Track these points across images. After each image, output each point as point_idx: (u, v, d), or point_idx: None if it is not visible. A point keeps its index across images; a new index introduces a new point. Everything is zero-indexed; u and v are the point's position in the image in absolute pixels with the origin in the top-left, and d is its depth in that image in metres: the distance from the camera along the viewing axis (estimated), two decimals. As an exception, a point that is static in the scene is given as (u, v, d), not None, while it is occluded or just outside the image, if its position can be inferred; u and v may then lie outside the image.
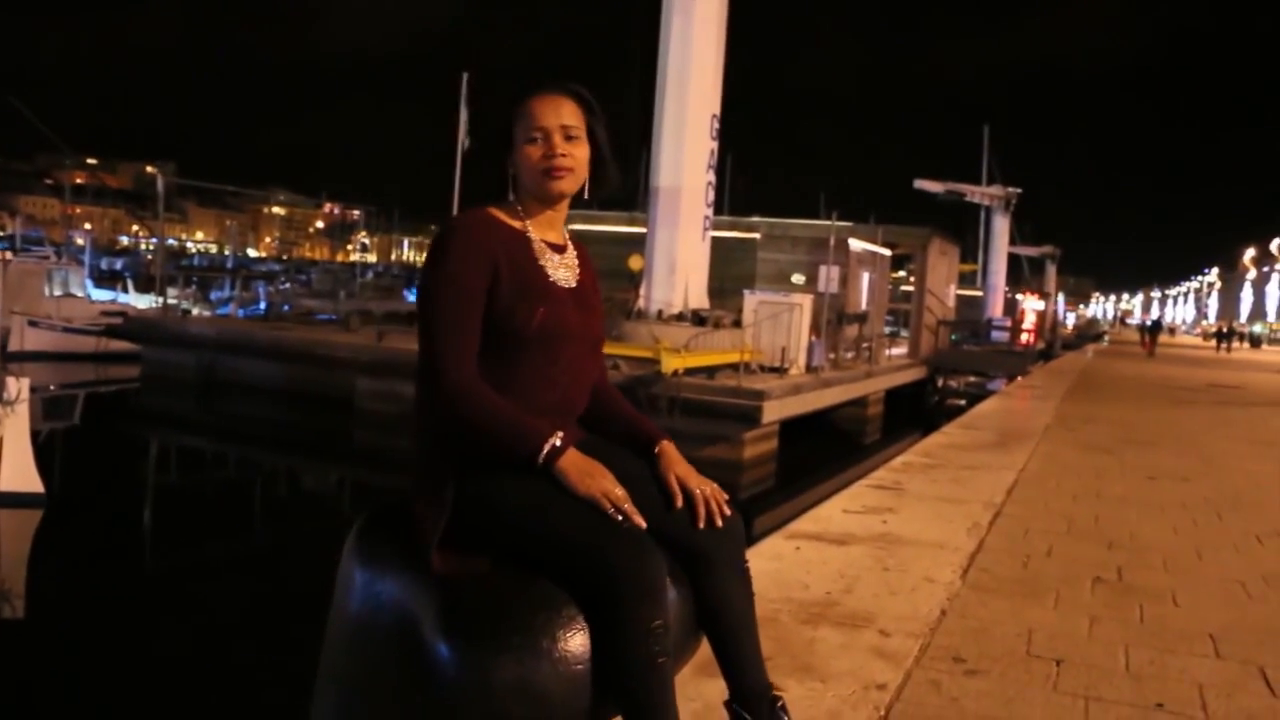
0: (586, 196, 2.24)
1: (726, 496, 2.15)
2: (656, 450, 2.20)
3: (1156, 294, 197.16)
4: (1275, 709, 3.34)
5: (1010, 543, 5.62)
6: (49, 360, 25.16)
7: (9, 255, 30.06)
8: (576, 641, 1.79)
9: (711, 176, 19.73)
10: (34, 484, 10.87)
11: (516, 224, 2.15)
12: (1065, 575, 4.95)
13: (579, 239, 2.32)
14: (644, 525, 1.94)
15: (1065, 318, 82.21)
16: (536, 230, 2.17)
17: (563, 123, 2.12)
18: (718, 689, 2.19)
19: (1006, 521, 6.18)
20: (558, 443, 1.96)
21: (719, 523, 2.09)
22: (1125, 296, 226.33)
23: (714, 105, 19.45)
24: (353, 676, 1.99)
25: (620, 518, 1.92)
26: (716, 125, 19.50)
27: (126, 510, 12.94)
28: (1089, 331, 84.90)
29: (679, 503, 2.10)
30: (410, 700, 1.85)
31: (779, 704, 2.16)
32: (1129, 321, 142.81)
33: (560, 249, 2.21)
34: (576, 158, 2.13)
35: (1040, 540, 5.70)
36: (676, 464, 2.16)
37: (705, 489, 2.12)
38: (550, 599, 1.82)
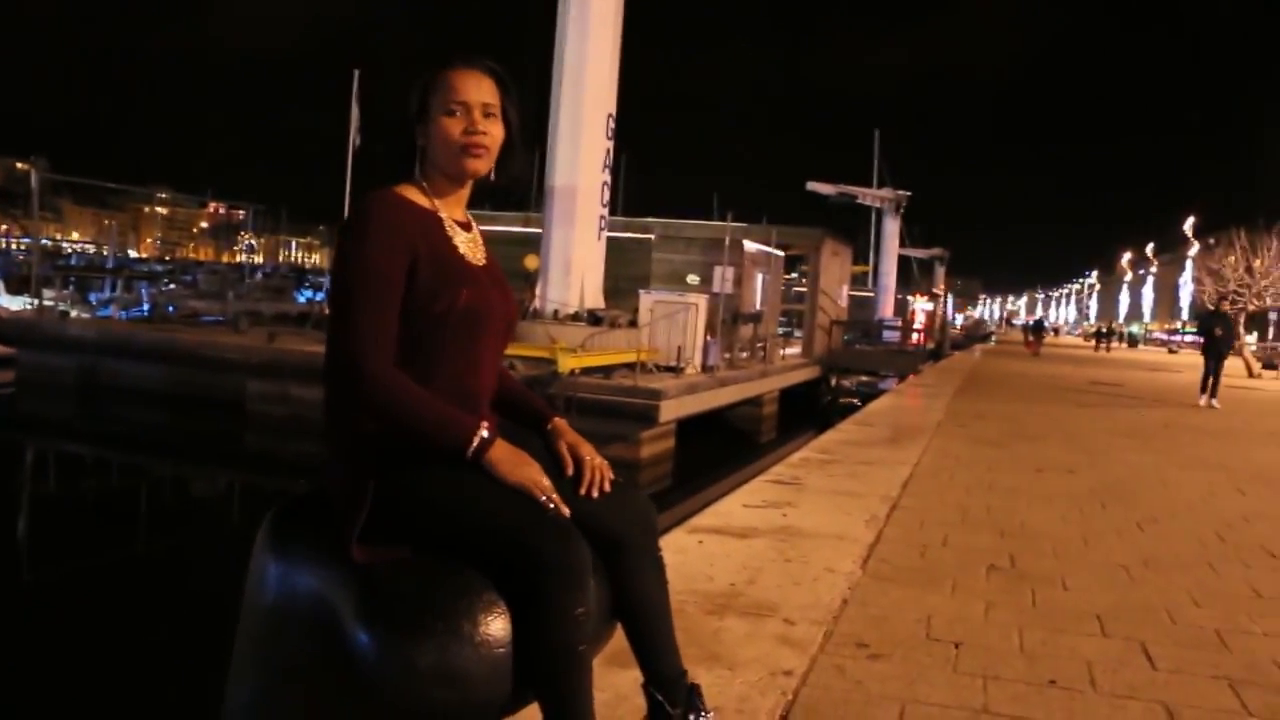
0: (494, 179, 2.18)
1: (613, 475, 2.16)
2: (549, 426, 2.21)
3: (1041, 295, 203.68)
4: (1155, 681, 3.49)
5: (907, 533, 5.75)
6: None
7: None
8: (497, 626, 1.78)
9: (607, 176, 19.78)
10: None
11: (426, 203, 2.10)
12: (961, 563, 5.09)
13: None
14: (568, 514, 1.94)
15: (954, 319, 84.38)
16: (445, 209, 2.12)
17: (483, 99, 2.07)
18: (628, 679, 2.21)
19: (903, 514, 6.32)
20: (485, 434, 1.95)
21: (596, 493, 2.10)
22: (1011, 298, 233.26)
23: (610, 105, 19.50)
24: (269, 668, 1.95)
25: (549, 507, 1.93)
26: (612, 125, 19.55)
27: (2, 522, 12.42)
28: (977, 332, 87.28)
29: (569, 470, 2.13)
30: (330, 687, 1.83)
31: (694, 689, 2.19)
32: (1014, 322, 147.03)
33: (466, 227, 2.17)
34: (493, 136, 2.09)
35: (936, 531, 5.86)
36: (567, 434, 2.19)
37: (595, 460, 2.14)
38: (471, 585, 1.81)
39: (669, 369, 18.40)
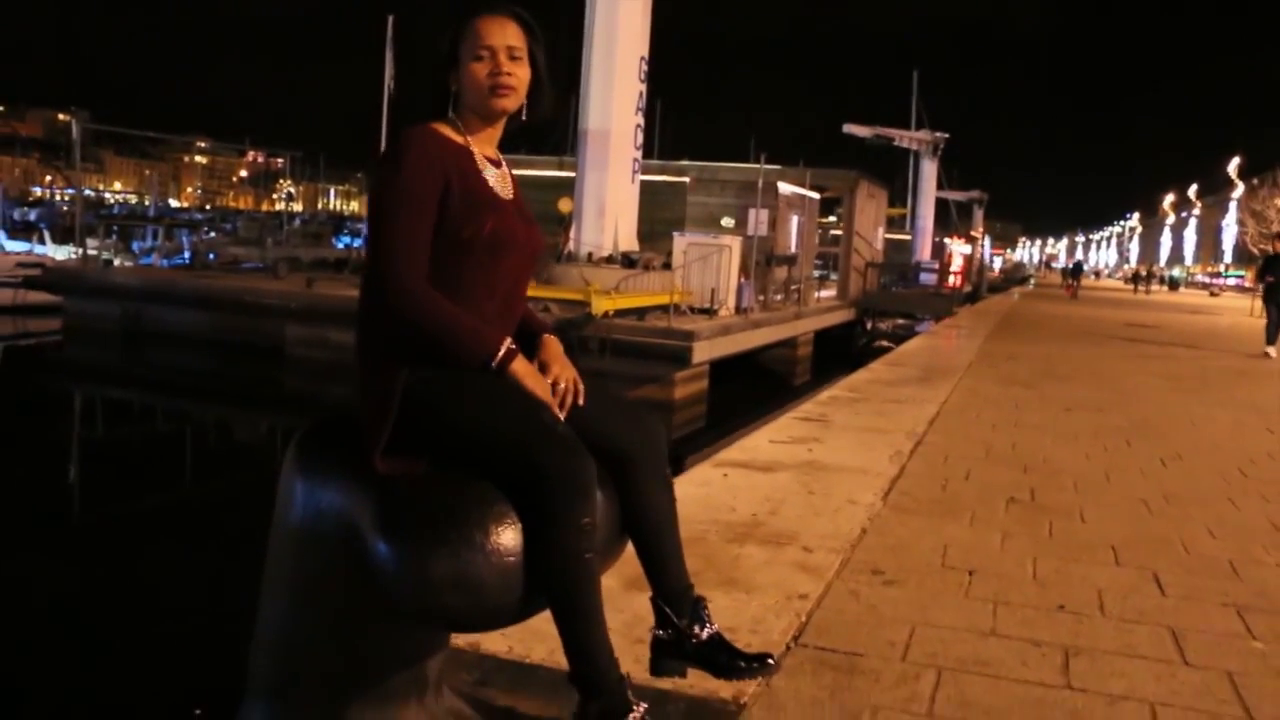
0: (525, 118, 2.30)
1: (582, 399, 2.20)
2: (539, 341, 2.29)
3: (1081, 238, 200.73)
4: (1164, 607, 3.58)
5: (930, 468, 5.84)
6: (-37, 313, 24.54)
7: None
8: (509, 536, 1.89)
9: (640, 119, 19.71)
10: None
11: (459, 139, 2.21)
12: (981, 496, 5.17)
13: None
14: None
15: (992, 261, 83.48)
16: (477, 145, 2.23)
17: (508, 43, 2.18)
18: (645, 601, 2.31)
19: (927, 449, 6.40)
20: (511, 346, 2.07)
21: (567, 404, 2.16)
22: (1051, 241, 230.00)
23: (643, 48, 19.39)
24: (298, 580, 2.08)
25: (557, 423, 2.03)
26: (645, 68, 19.44)
27: (53, 463, 12.76)
28: (1015, 275, 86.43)
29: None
30: (353, 596, 1.95)
31: (700, 601, 2.30)
32: (1054, 265, 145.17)
33: (497, 164, 2.28)
34: (519, 77, 2.20)
35: (959, 465, 5.93)
36: (544, 351, 2.26)
37: (565, 375, 2.20)
38: (484, 497, 1.92)
39: (702, 311, 18.44)
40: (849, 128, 49.77)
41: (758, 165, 23.35)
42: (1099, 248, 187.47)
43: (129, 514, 10.47)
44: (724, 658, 2.24)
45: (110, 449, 14.63)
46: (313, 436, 2.14)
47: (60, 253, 31.17)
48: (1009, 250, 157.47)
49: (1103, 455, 6.54)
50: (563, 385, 2.18)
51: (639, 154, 20.00)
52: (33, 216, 50.27)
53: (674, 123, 59.71)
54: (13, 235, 35.33)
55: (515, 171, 2.35)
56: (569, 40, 19.92)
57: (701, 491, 4.94)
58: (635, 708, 2.03)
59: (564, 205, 20.81)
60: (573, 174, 20.61)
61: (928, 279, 39.49)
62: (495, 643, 2.83)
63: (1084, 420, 7.97)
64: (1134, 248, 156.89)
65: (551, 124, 2.40)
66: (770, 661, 2.29)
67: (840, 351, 26.65)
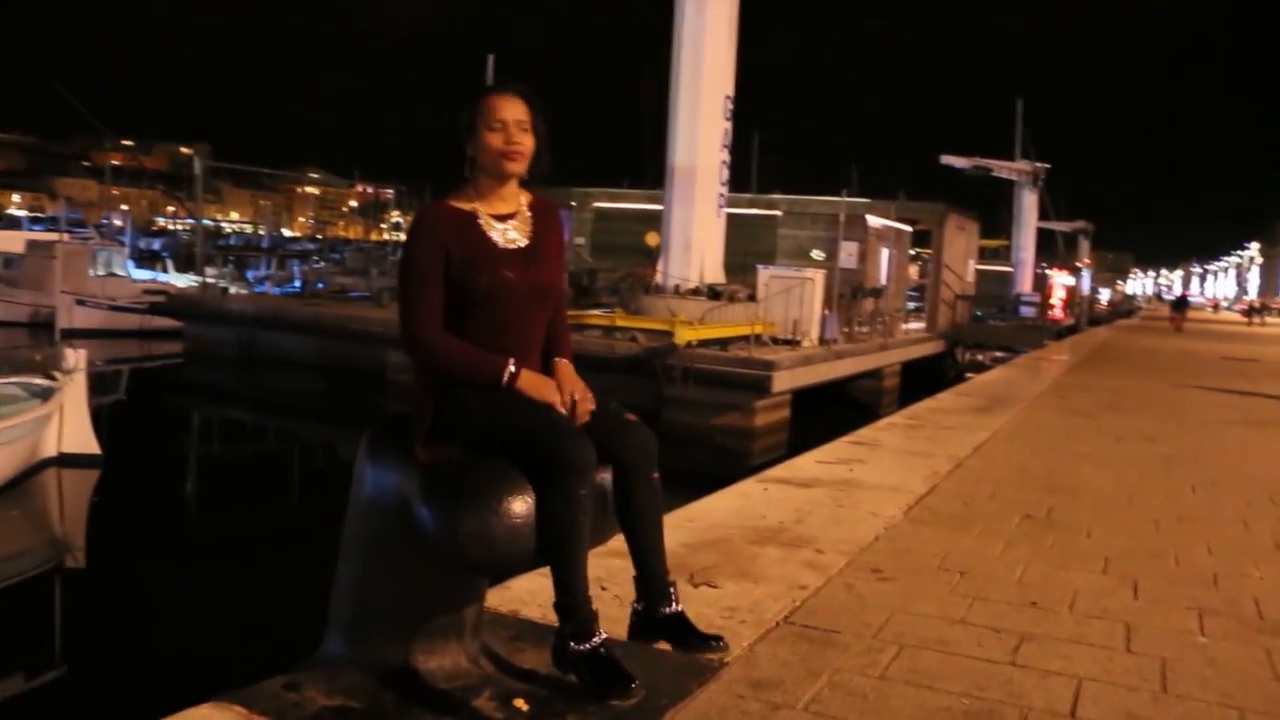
0: (527, 176, 2.86)
1: (592, 405, 2.77)
2: (553, 364, 2.87)
3: (1197, 269, 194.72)
4: (1130, 607, 4.03)
5: (960, 488, 6.30)
6: (96, 337, 26.18)
7: (65, 237, 31.24)
8: (517, 502, 2.52)
9: (726, 156, 20.34)
10: (92, 446, 11.75)
11: (467, 206, 2.80)
12: (999, 513, 5.63)
13: (549, 200, 2.97)
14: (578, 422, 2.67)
15: (1097, 293, 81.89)
16: (486, 206, 2.81)
17: (517, 117, 2.77)
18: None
19: (964, 472, 6.86)
20: (513, 368, 2.69)
21: (579, 413, 2.73)
22: (1164, 271, 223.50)
23: (727, 87, 20.05)
24: (366, 540, 2.75)
25: (563, 417, 2.65)
26: (730, 106, 20.10)
27: (173, 477, 13.80)
28: (1122, 307, 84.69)
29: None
30: (405, 550, 2.62)
31: (670, 586, 2.89)
32: (1165, 297, 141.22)
33: (509, 216, 2.84)
34: (526, 145, 2.79)
35: (989, 486, 6.38)
36: (556, 373, 2.82)
37: (574, 388, 2.76)
38: (501, 474, 2.55)
39: (785, 342, 18.93)
40: (947, 159, 49.70)
41: (843, 199, 23.77)
42: (1216, 279, 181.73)
43: (241, 520, 11.37)
44: (682, 633, 2.86)
45: (225, 464, 15.70)
46: (377, 434, 2.81)
47: (182, 281, 33.05)
48: (1120, 281, 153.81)
49: (1135, 480, 6.89)
50: (573, 395, 2.75)
51: (725, 189, 20.62)
52: (157, 246, 52.98)
53: (772, 155, 60.21)
54: (139, 264, 37.46)
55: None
56: (656, 81, 20.72)
57: (739, 502, 5.51)
58: (598, 634, 2.64)
59: (651, 239, 21.54)
60: (661, 206, 21.32)
61: (1028, 311, 39.24)
62: (531, 610, 3.45)
63: (1131, 449, 8.29)
64: (1253, 278, 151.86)
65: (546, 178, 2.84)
66: (720, 642, 2.90)
67: (930, 383, 26.79)
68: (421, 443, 2.67)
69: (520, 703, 2.73)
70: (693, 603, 3.70)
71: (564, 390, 2.75)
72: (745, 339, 17.32)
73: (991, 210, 58.43)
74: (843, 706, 2.92)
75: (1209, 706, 3.09)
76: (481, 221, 2.80)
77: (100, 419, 12.85)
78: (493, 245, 2.78)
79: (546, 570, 2.68)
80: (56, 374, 11.72)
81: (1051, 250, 66.92)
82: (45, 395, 11.41)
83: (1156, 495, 6.41)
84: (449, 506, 2.50)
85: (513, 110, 2.76)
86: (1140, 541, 5.16)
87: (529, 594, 3.58)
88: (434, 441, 2.67)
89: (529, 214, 2.88)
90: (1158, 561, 4.77)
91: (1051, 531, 5.25)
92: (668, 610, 2.86)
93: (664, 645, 2.92)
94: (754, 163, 55.59)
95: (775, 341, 18.74)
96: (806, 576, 4.18)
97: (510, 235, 2.82)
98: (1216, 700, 3.14)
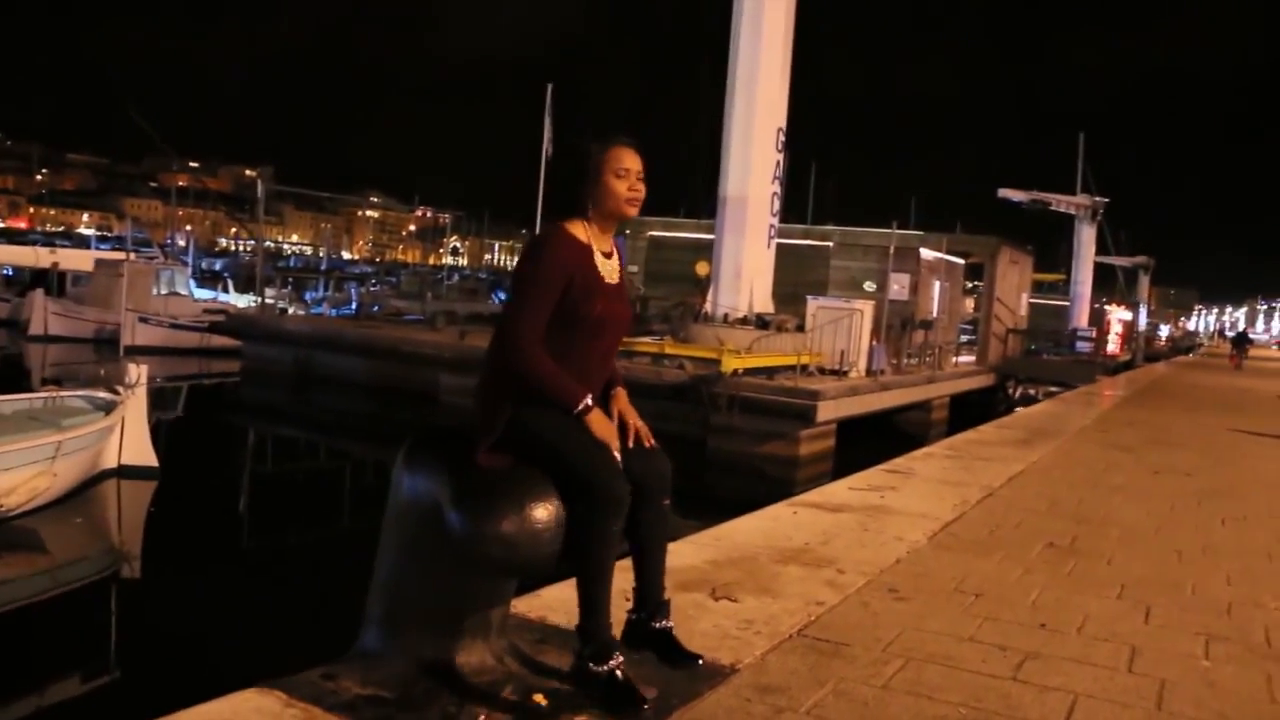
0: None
1: (653, 442, 3.05)
2: (612, 392, 3.12)
3: (1263, 306, 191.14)
4: (1138, 631, 4.15)
5: (988, 516, 6.42)
6: (157, 354, 26.88)
7: (133, 257, 32.16)
8: (540, 510, 2.75)
9: (778, 187, 20.55)
10: (150, 458, 12.16)
11: (583, 238, 3.04)
12: (1023, 540, 5.75)
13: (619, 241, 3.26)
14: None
15: (1157, 329, 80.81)
16: (596, 243, 3.06)
17: (638, 168, 3.07)
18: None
19: (994, 501, 6.97)
20: (589, 402, 2.91)
21: (646, 444, 3.01)
22: (1229, 308, 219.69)
23: (780, 119, 20.28)
24: (401, 541, 2.98)
25: (616, 460, 2.87)
26: (782, 138, 20.33)
27: (228, 492, 14.18)
28: (1182, 344, 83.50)
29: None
30: (437, 552, 2.85)
31: (664, 604, 3.10)
32: (1228, 334, 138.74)
33: (609, 255, 3.11)
34: (643, 192, 3.08)
35: (1016, 515, 6.49)
36: (619, 402, 3.09)
37: (636, 422, 3.05)
38: (532, 486, 2.79)
39: (833, 372, 19.01)
40: (1004, 192, 49.35)
41: (894, 231, 23.84)
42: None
43: (289, 532, 11.70)
44: (665, 647, 3.08)
45: (276, 479, 16.09)
46: (414, 445, 3.04)
47: (241, 301, 33.82)
48: (1184, 318, 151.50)
49: (1166, 513, 6.97)
50: (630, 426, 3.02)
51: (776, 220, 20.81)
52: (218, 266, 54.23)
53: (830, 186, 60.41)
54: (201, 284, 38.39)
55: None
56: (710, 113, 21.01)
57: (768, 524, 5.68)
58: (615, 658, 2.87)
59: (701, 269, 21.77)
60: (711, 235, 21.56)
61: (1084, 346, 38.86)
62: (558, 617, 3.65)
63: (1167, 483, 8.34)
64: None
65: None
66: (699, 661, 3.14)
67: (978, 416, 26.67)
68: (485, 449, 2.90)
69: (540, 698, 2.94)
70: (712, 615, 3.92)
71: (628, 420, 3.02)
72: (792, 369, 17.44)
73: (1051, 244, 58.04)
74: (843, 712, 3.09)
75: (1200, 724, 3.22)
76: (596, 258, 3.04)
77: (158, 433, 13.26)
78: (601, 279, 3.02)
79: (573, 582, 2.93)
80: (119, 388, 12.15)
81: (1111, 285, 66.18)
82: (108, 409, 11.84)
83: (1184, 528, 6.49)
84: (477, 511, 2.73)
85: (635, 161, 3.05)
86: (1160, 570, 5.26)
87: (558, 601, 3.79)
88: (496, 449, 2.90)
89: (615, 252, 3.16)
90: (1174, 590, 4.87)
91: (1073, 559, 5.36)
92: (658, 625, 3.09)
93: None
94: (810, 193, 55.89)
95: (822, 372, 18.83)
96: (825, 594, 4.34)
97: (611, 272, 3.07)
98: (1210, 719, 3.26)
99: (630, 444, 3.01)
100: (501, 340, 2.93)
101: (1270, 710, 3.39)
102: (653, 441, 3.06)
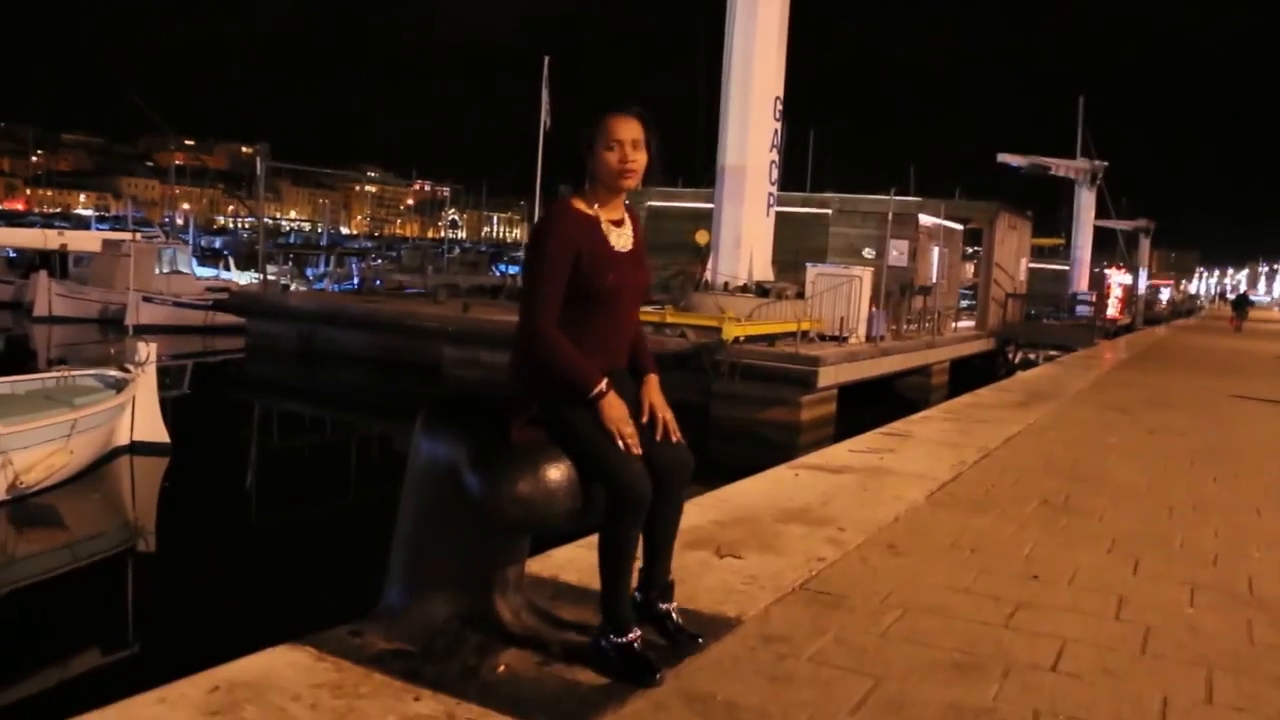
0: (639, 187, 3.22)
1: (678, 436, 3.13)
2: (644, 379, 3.22)
3: (1264, 268, 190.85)
4: (1126, 582, 4.33)
5: (984, 475, 6.59)
6: (161, 333, 27.01)
7: (136, 236, 32.27)
8: (553, 470, 2.91)
9: (775, 156, 20.60)
10: (161, 435, 12.33)
11: (590, 211, 3.10)
12: (1018, 498, 5.92)
13: (635, 207, 3.32)
14: (639, 452, 2.98)
15: (1158, 292, 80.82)
16: (604, 213, 3.12)
17: (633, 136, 3.08)
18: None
19: (990, 461, 7.14)
20: (603, 387, 2.98)
21: (673, 439, 3.11)
22: (1231, 271, 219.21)
23: (777, 89, 20.31)
24: (421, 505, 3.14)
25: (633, 449, 2.95)
26: (779, 107, 20.36)
27: (239, 466, 14.37)
28: (1183, 307, 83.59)
29: (645, 418, 3.13)
30: (455, 513, 3.01)
31: (670, 586, 3.25)
32: (1229, 296, 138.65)
33: (620, 223, 3.18)
34: (640, 162, 3.11)
35: (1012, 475, 6.66)
36: (651, 391, 3.18)
37: (665, 414, 3.13)
38: (539, 453, 2.95)
39: (832, 338, 19.16)
40: (1004, 157, 49.24)
41: (893, 197, 23.92)
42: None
43: (301, 503, 11.88)
44: (670, 626, 3.22)
45: (285, 453, 16.29)
46: (432, 410, 3.20)
47: (243, 278, 33.95)
48: (1184, 281, 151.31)
49: (1159, 472, 7.13)
50: (662, 417, 3.11)
51: (775, 188, 20.89)
52: (218, 244, 54.29)
53: (828, 154, 60.36)
54: (201, 262, 38.50)
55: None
56: (707, 81, 21.04)
57: (770, 486, 5.86)
58: (633, 631, 3.01)
59: (700, 237, 21.86)
60: (711, 205, 21.64)
61: (1084, 310, 38.96)
62: (570, 575, 3.83)
63: (1162, 442, 8.50)
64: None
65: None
66: (699, 640, 3.24)
67: (979, 381, 26.83)
68: (519, 425, 3.01)
69: (556, 650, 3.11)
70: (717, 571, 4.10)
71: (656, 412, 3.10)
72: (792, 335, 17.59)
73: (1051, 209, 57.98)
74: (843, 658, 3.27)
75: (1181, 664, 3.39)
76: (603, 226, 3.11)
77: (168, 410, 13.41)
78: (611, 249, 3.09)
79: (584, 541, 3.07)
80: (129, 366, 12.32)
81: (1111, 249, 66.15)
82: (119, 386, 12.00)
83: (1176, 485, 6.66)
84: (495, 473, 2.90)
85: (629, 130, 3.06)
86: (1150, 526, 5.43)
87: (569, 561, 3.96)
88: (529, 425, 3.02)
89: (628, 220, 3.22)
90: (1163, 544, 5.05)
91: (1066, 515, 5.53)
92: (663, 607, 3.24)
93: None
94: (809, 161, 55.83)
95: (822, 338, 18.98)
96: (826, 550, 4.51)
97: (622, 240, 3.14)
98: (1189, 660, 3.44)
99: (659, 437, 3.09)
100: (522, 328, 3.00)
101: (1249, 651, 3.57)
102: (679, 435, 3.13)
